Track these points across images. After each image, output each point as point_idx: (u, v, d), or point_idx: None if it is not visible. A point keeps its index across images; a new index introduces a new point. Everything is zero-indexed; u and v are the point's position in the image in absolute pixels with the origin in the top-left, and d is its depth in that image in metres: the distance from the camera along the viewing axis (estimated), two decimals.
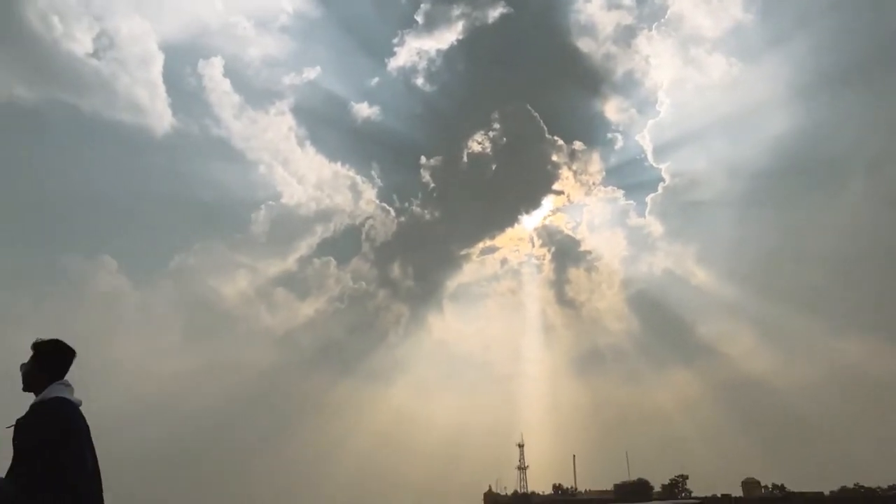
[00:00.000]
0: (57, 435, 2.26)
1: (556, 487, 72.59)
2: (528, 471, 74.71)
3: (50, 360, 2.43)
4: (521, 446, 76.91)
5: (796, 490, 60.90)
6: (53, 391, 2.38)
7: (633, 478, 68.44)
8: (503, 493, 73.10)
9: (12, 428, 2.29)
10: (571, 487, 72.21)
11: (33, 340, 2.44)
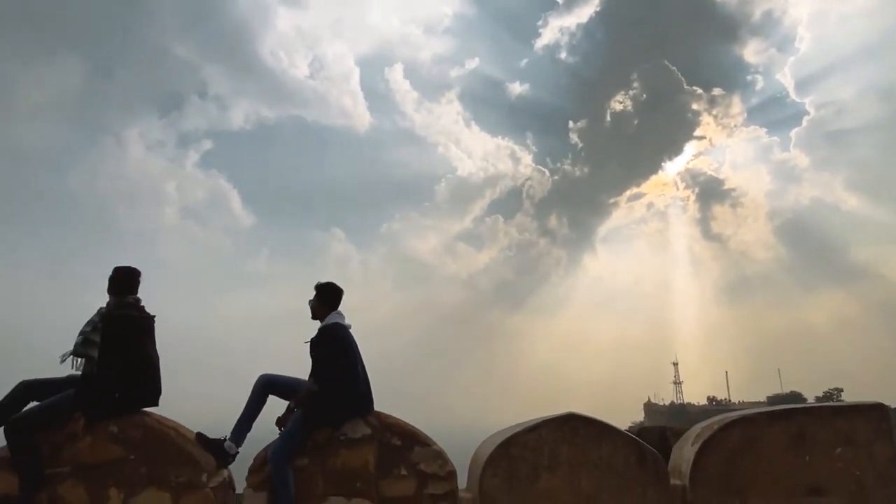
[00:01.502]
0: (339, 347, 2.87)
1: (710, 399, 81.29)
2: (682, 385, 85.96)
3: (327, 296, 3.01)
4: (675, 364, 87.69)
5: None
6: (332, 318, 2.95)
7: (786, 391, 73.94)
8: (661, 404, 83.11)
9: (308, 344, 2.92)
10: (725, 399, 78.86)
11: (315, 283, 3.01)
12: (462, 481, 3.12)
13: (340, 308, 3.07)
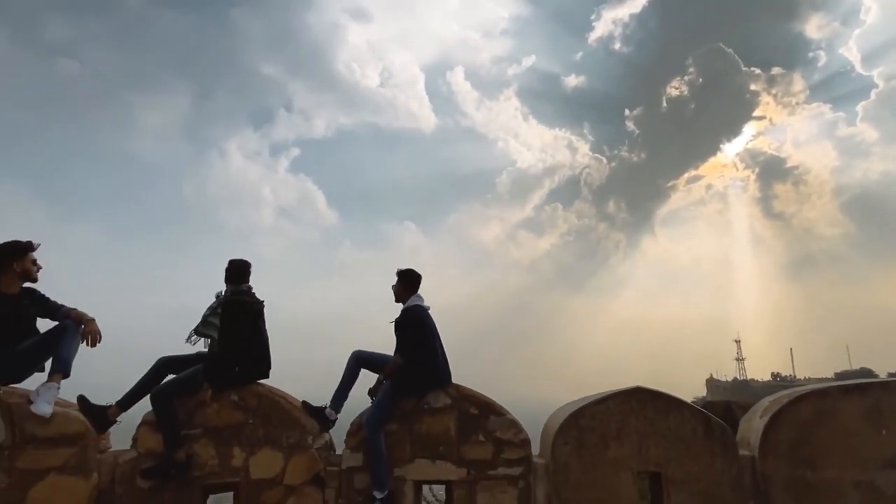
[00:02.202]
0: (420, 327, 3.13)
1: (775, 375, 77.01)
2: (745, 362, 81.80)
3: (408, 281, 3.25)
4: (737, 342, 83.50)
5: None
6: (413, 301, 3.20)
7: (856, 367, 68.88)
8: (723, 380, 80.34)
9: (392, 324, 3.18)
10: (790, 375, 74.60)
11: (396, 269, 3.25)
12: (534, 449, 3.32)
13: (419, 291, 3.30)
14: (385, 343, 3.31)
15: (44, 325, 2.79)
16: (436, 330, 3.21)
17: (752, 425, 3.43)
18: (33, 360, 2.70)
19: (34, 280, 2.82)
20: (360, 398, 3.21)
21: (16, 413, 2.66)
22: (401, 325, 3.21)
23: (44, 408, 2.61)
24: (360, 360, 3.25)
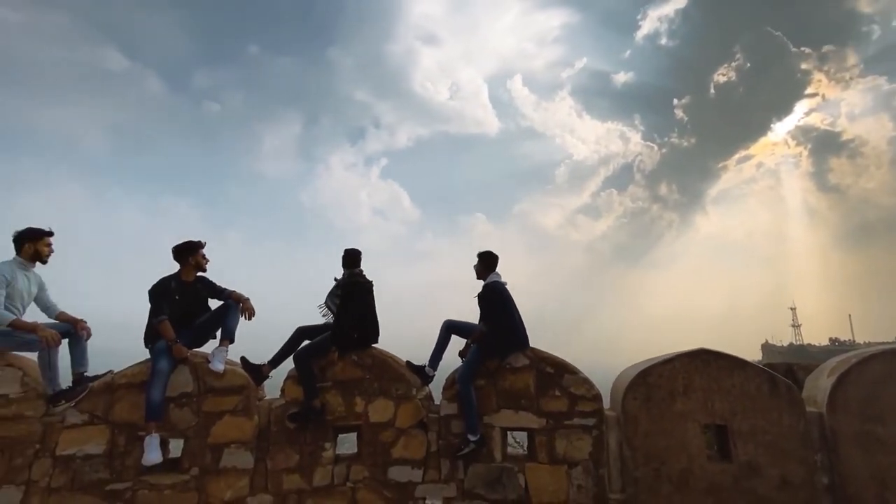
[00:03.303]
0: (499, 299, 3.47)
1: (833, 340, 72.26)
2: (800, 329, 76.74)
3: (487, 261, 3.65)
4: (792, 309, 78.41)
5: None
6: (492, 277, 3.58)
7: None
8: (779, 344, 77.00)
9: (476, 298, 3.56)
10: (849, 340, 69.73)
11: (477, 251, 3.67)
12: (604, 404, 3.64)
13: (497, 269, 3.68)
14: (462, 313, 3.78)
15: (213, 303, 3.47)
16: (513, 301, 3.55)
17: (820, 384, 3.54)
18: (208, 330, 3.39)
19: (204, 270, 3.49)
20: (452, 359, 3.67)
21: (199, 370, 3.38)
22: (483, 297, 3.56)
23: (218, 366, 3.29)
24: (451, 328, 3.70)
